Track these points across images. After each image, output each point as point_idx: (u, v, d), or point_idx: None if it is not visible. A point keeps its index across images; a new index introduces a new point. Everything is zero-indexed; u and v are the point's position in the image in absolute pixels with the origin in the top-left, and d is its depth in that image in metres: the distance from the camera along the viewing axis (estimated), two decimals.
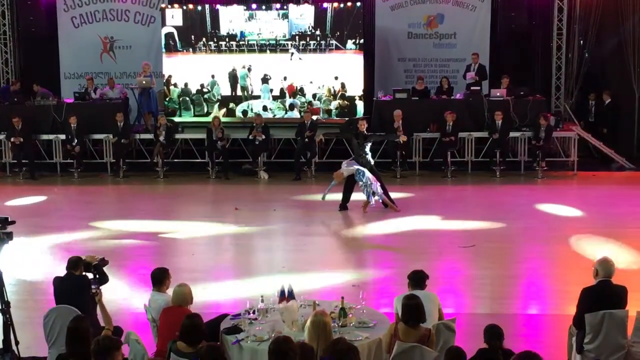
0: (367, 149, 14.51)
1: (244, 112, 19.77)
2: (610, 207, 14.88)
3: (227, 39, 19.71)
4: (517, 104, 18.27)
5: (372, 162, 14.62)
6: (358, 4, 19.44)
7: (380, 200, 14.21)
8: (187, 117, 19.87)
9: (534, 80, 20.51)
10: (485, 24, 20.27)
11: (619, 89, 19.53)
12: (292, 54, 19.57)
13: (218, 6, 19.69)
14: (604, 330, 7.05)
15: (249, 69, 19.76)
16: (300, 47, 19.56)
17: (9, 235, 6.94)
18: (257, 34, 19.63)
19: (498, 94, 18.41)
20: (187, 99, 19.89)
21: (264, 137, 18.09)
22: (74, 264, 7.59)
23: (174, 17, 19.72)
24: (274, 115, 19.71)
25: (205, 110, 19.86)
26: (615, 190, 16.61)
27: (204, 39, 19.71)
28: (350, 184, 14.56)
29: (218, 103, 19.78)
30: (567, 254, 12.03)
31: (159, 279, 7.52)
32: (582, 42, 20.55)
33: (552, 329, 8.90)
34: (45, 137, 18.70)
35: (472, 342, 6.57)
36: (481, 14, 20.27)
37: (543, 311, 9.73)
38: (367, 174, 14.02)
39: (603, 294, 7.16)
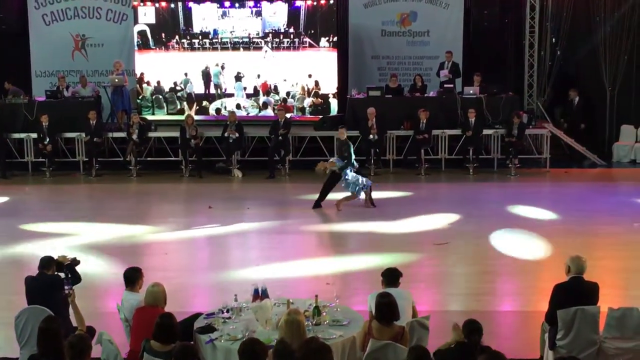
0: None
1: (218, 110, 19.70)
2: (582, 204, 15.00)
3: (200, 37, 19.64)
4: (490, 102, 18.36)
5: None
6: (331, 1, 19.46)
7: (363, 198, 14.30)
8: (160, 115, 19.77)
9: (506, 77, 20.60)
10: (458, 21, 20.33)
11: (591, 87, 19.66)
12: (266, 51, 19.54)
13: (191, 4, 19.61)
14: (576, 327, 7.11)
15: (222, 67, 19.70)
16: (274, 45, 19.54)
17: None
18: (231, 32, 19.58)
19: (471, 92, 18.49)
20: (160, 97, 19.79)
21: (237, 135, 18.03)
22: (46, 263, 7.55)
23: (147, 14, 19.63)
24: (248, 113, 19.67)
25: (179, 108, 19.78)
26: (587, 187, 16.73)
27: (177, 37, 19.63)
28: (330, 184, 14.59)
29: (186, 101, 19.72)
30: (539, 250, 12.11)
31: (132, 278, 7.48)
32: (554, 39, 20.68)
33: (524, 325, 8.97)
34: (16, 135, 18.50)
35: (445, 340, 6.58)
36: (454, 12, 20.33)
37: (516, 308, 9.80)
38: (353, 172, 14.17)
39: (575, 291, 7.22)
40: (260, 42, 19.53)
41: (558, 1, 20.22)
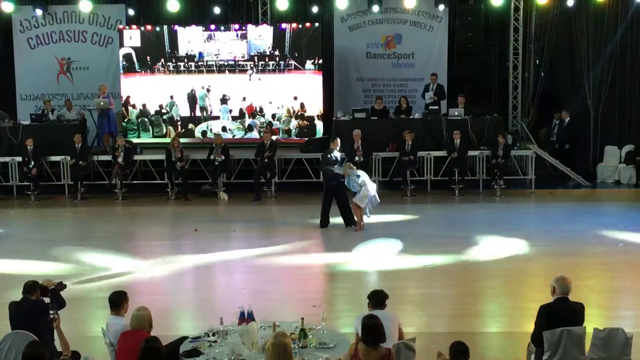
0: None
1: (203, 133, 19.72)
2: (567, 224, 15.04)
3: (185, 60, 19.69)
4: (474, 123, 18.45)
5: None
6: (316, 24, 19.59)
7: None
8: (145, 138, 19.77)
9: (491, 99, 20.73)
10: (442, 44, 20.48)
11: (575, 109, 19.78)
12: (250, 75, 19.57)
13: (176, 27, 19.69)
14: (562, 347, 7.10)
15: (208, 90, 19.74)
16: (259, 68, 19.60)
17: None
18: (216, 55, 19.63)
19: (456, 113, 18.58)
20: (146, 120, 19.80)
21: (223, 157, 18.02)
22: (30, 288, 7.49)
23: (132, 38, 19.68)
24: (234, 136, 19.68)
25: (164, 131, 19.79)
26: (572, 208, 16.79)
27: (162, 60, 19.67)
28: (327, 200, 14.77)
29: (169, 125, 19.73)
30: (524, 271, 12.13)
31: (117, 302, 7.41)
32: (537, 61, 20.85)
33: (510, 346, 8.94)
34: (1, 159, 18.45)
35: None
36: (438, 34, 20.48)
37: (502, 329, 9.79)
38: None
39: (560, 311, 7.23)
40: (246, 64, 19.58)
41: (541, 24, 20.42)
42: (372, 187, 14.51)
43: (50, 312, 7.30)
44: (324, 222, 14.88)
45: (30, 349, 6.12)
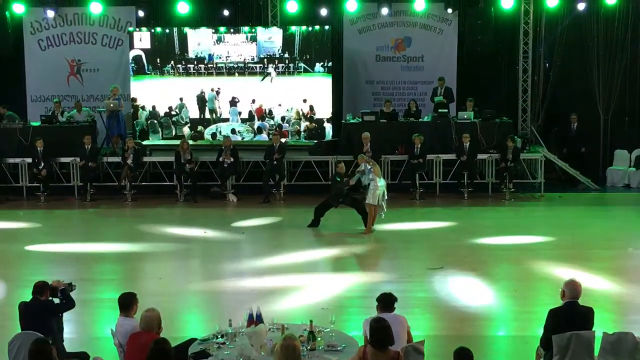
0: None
1: (213, 135, 19.73)
2: (576, 228, 15.02)
3: (195, 62, 19.71)
4: (484, 127, 18.43)
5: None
6: (326, 27, 19.58)
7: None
8: (155, 140, 19.79)
9: (500, 102, 20.66)
10: (452, 46, 20.44)
11: (585, 112, 19.72)
12: (269, 74, 19.53)
13: (186, 29, 19.70)
14: (571, 351, 7.09)
15: (217, 92, 19.75)
16: (269, 71, 19.58)
17: None
18: (226, 57, 19.65)
19: (465, 117, 18.56)
20: (155, 121, 19.82)
21: (232, 159, 18.03)
22: (40, 288, 7.53)
23: (142, 40, 19.70)
24: (243, 138, 19.68)
25: (174, 133, 19.80)
26: (581, 212, 16.76)
27: (172, 62, 19.69)
28: (325, 207, 14.97)
29: (185, 126, 19.79)
30: (533, 275, 12.10)
31: (126, 303, 7.44)
32: (547, 65, 20.80)
33: (520, 350, 8.94)
34: (11, 160, 18.51)
35: None
36: (448, 37, 20.45)
37: (511, 332, 9.77)
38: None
39: (570, 315, 7.22)
40: (255, 67, 19.56)
41: (551, 27, 20.38)
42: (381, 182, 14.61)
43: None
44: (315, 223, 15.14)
45: (34, 345, 6.14)
